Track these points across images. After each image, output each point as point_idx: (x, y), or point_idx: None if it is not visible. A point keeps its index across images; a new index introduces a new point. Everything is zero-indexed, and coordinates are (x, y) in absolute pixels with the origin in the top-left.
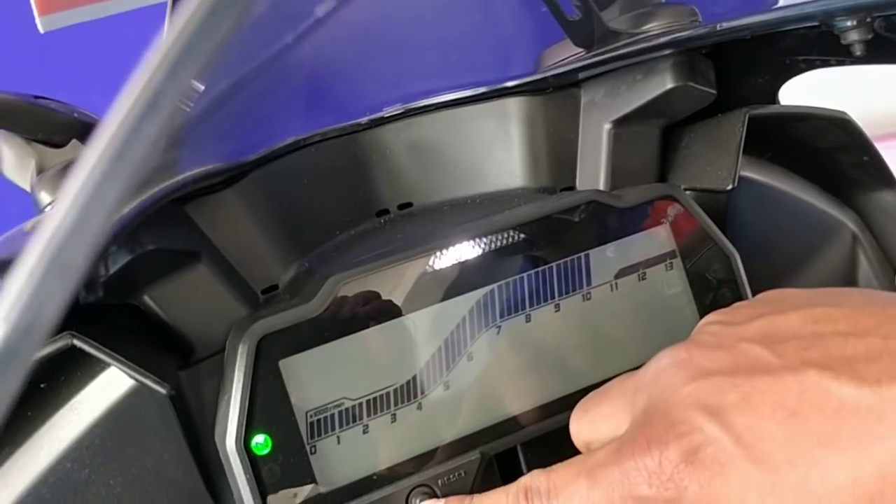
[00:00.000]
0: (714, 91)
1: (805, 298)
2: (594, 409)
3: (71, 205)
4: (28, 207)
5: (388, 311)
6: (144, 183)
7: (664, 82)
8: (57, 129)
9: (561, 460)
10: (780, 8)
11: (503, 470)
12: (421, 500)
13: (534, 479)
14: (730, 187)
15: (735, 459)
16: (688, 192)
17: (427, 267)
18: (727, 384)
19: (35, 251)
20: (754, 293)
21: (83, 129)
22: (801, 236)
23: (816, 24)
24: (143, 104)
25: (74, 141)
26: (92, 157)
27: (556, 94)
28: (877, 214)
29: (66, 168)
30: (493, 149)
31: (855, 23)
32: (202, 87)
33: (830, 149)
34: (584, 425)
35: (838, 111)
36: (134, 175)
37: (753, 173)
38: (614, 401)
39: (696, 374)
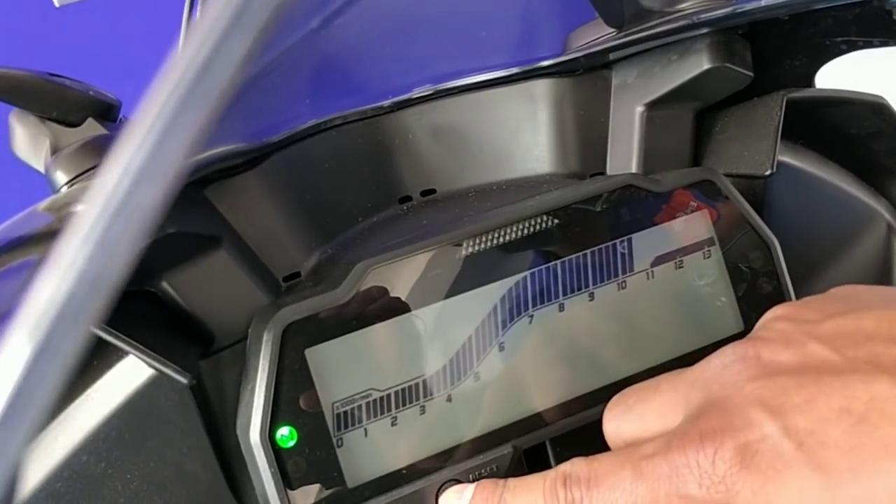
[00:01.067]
0: (751, 73)
1: (880, 298)
2: (641, 405)
3: (144, 137)
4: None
5: (418, 300)
6: None
7: (700, 63)
8: (72, 108)
9: (588, 452)
10: None
11: (531, 465)
12: None
13: (574, 467)
14: (769, 172)
15: (794, 464)
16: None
17: (457, 254)
18: (793, 385)
19: (103, 190)
20: (791, 281)
21: (99, 108)
22: (836, 224)
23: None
24: (224, 27)
25: (90, 120)
26: (170, 82)
27: (586, 76)
28: None
29: (82, 147)
30: (520, 133)
31: None
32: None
33: (865, 135)
34: (628, 422)
35: (877, 96)
36: (216, 104)
37: (790, 158)
38: (666, 395)
39: (762, 371)
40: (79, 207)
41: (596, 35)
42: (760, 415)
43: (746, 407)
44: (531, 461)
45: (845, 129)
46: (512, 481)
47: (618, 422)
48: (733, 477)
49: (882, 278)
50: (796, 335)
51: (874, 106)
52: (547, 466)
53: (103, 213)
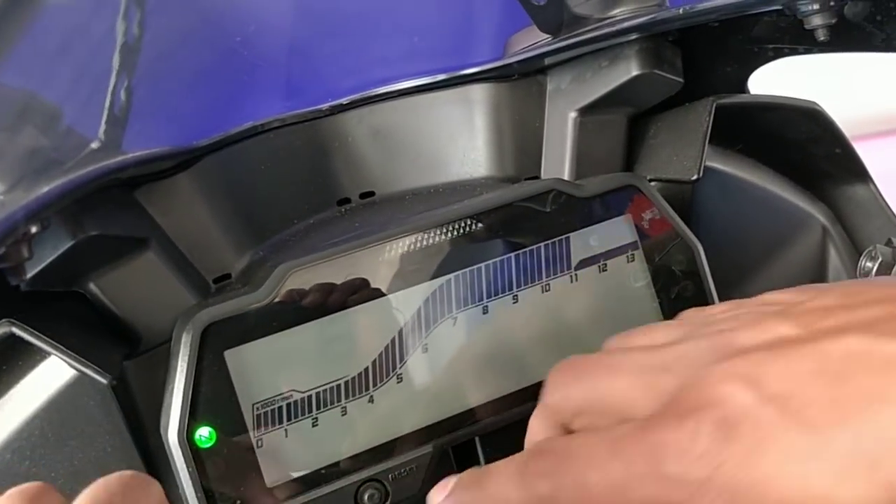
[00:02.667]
0: (681, 79)
1: (838, 286)
2: (599, 382)
3: None
4: None
5: (340, 301)
6: (82, 160)
7: (629, 69)
8: None
9: (518, 451)
10: None
11: (461, 464)
12: (370, 495)
13: (548, 443)
14: (695, 177)
15: (777, 428)
16: (654, 183)
17: (381, 256)
18: (766, 357)
19: None
20: (720, 286)
21: None
22: (769, 228)
23: (780, 7)
24: None
25: None
26: None
27: (521, 81)
28: (848, 207)
29: None
30: (457, 137)
31: (817, 6)
32: None
33: (802, 140)
34: (580, 392)
35: (809, 101)
36: None
37: (721, 164)
38: (631, 378)
39: (733, 351)
40: None
41: (533, 40)
42: (737, 388)
43: (721, 384)
44: (461, 460)
45: (782, 135)
46: (492, 465)
47: (566, 391)
48: (715, 450)
49: (817, 278)
50: (762, 318)
51: (808, 112)
52: (476, 463)
53: None
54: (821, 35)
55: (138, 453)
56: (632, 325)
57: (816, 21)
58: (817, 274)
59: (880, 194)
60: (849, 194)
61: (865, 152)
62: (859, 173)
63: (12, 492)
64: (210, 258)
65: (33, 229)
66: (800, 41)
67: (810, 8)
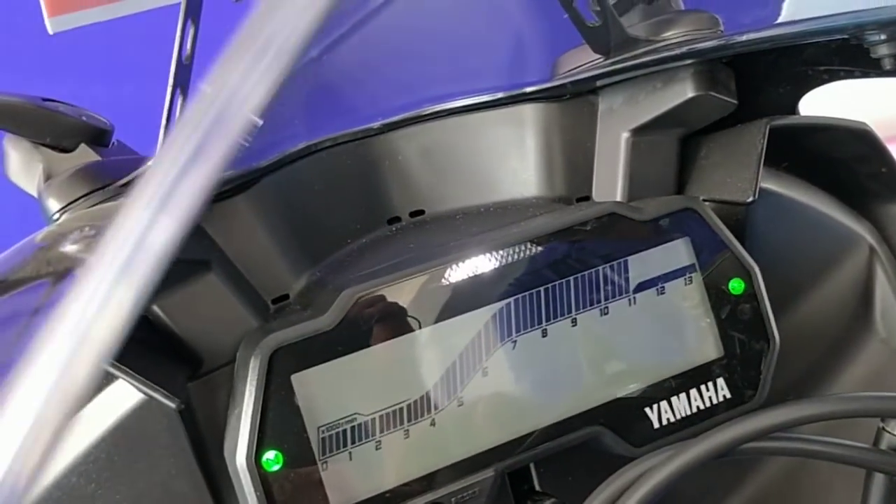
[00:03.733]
0: (735, 101)
1: None
2: None
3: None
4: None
5: (403, 326)
6: None
7: (684, 91)
8: (65, 133)
9: (572, 473)
10: (809, 20)
11: (514, 486)
12: None
13: None
14: (751, 199)
15: None
16: (707, 204)
17: (442, 280)
18: None
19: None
20: (772, 305)
21: (92, 133)
22: (818, 248)
23: (845, 36)
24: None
25: (83, 146)
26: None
27: (572, 102)
28: (893, 226)
29: (74, 175)
30: (508, 156)
31: (885, 37)
32: (260, 122)
33: (848, 159)
34: None
35: (859, 122)
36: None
37: (772, 185)
38: None
39: None
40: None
41: (583, 60)
42: None
43: None
44: (515, 483)
45: (829, 154)
46: None
47: None
48: None
49: (864, 298)
50: None
51: (857, 133)
52: (531, 488)
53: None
54: (888, 64)
55: (202, 476)
56: (689, 348)
57: (884, 51)
58: (864, 293)
59: None
60: (894, 213)
61: None
62: None
63: None
64: (268, 279)
65: None
66: (857, 65)
67: (878, 38)
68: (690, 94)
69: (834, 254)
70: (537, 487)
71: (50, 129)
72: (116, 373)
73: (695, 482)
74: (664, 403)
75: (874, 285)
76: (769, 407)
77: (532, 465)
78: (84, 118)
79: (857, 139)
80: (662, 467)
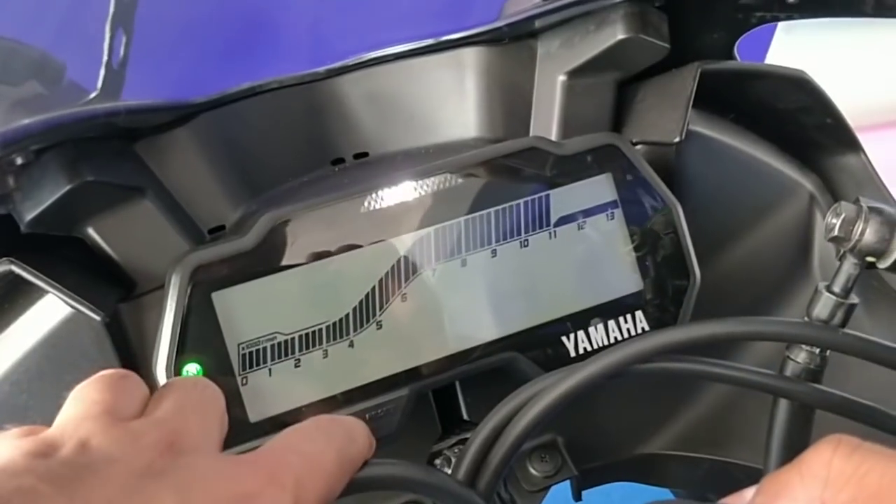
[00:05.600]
0: (667, 45)
1: None
2: None
3: None
4: None
5: (323, 250)
6: (77, 104)
7: (615, 33)
8: (14, 67)
9: (499, 401)
10: None
11: (443, 416)
12: None
13: None
14: (677, 139)
15: None
16: (638, 146)
17: (363, 207)
18: None
19: None
20: (705, 248)
21: (42, 69)
22: (755, 194)
23: None
24: None
25: (32, 80)
26: None
27: (512, 46)
28: (839, 177)
29: (17, 104)
30: (449, 100)
31: None
32: None
33: (792, 110)
34: None
35: (796, 69)
36: None
37: (707, 129)
38: None
39: None
40: None
41: (526, 5)
42: None
43: None
44: (444, 413)
45: (772, 104)
46: None
47: None
48: None
49: (802, 246)
50: None
51: (794, 80)
52: (459, 417)
53: None
54: None
55: None
56: (607, 281)
57: None
58: (803, 239)
59: (870, 163)
60: (840, 164)
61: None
62: (850, 143)
63: (94, 378)
64: (205, 210)
65: (18, 160)
66: (781, 8)
67: None
68: (621, 35)
69: (771, 200)
70: (465, 417)
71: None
72: (46, 287)
73: (622, 417)
74: (581, 333)
75: (813, 233)
76: (667, 328)
77: (461, 396)
78: (34, 54)
79: (798, 88)
80: (557, 385)
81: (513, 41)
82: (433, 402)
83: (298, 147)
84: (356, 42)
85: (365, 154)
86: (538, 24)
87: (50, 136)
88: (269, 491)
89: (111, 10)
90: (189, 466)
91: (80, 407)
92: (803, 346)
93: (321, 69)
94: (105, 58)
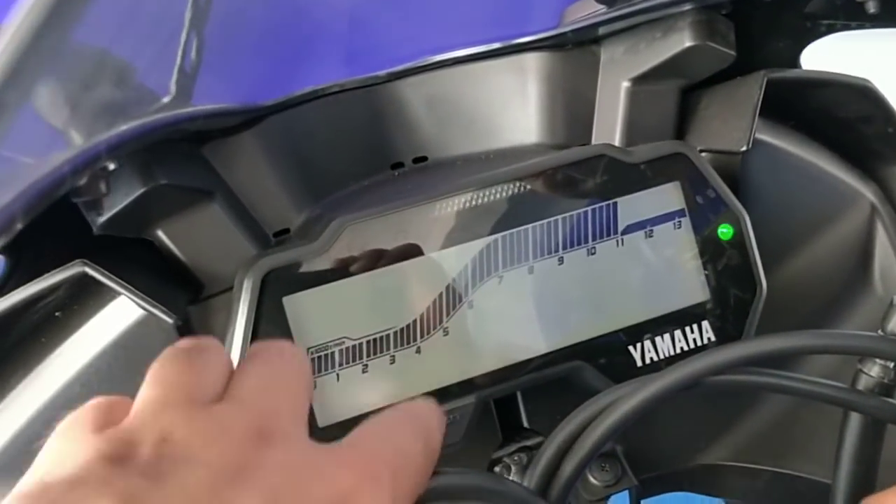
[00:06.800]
0: (733, 52)
1: None
2: None
3: None
4: None
5: (392, 256)
6: (153, 112)
7: (682, 41)
8: None
9: (561, 412)
10: None
11: (503, 422)
12: None
13: None
14: (744, 149)
15: None
16: (704, 154)
17: (432, 214)
18: None
19: None
20: (767, 258)
21: None
22: (817, 204)
23: None
24: None
25: None
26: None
27: (575, 51)
28: None
29: None
30: (510, 105)
31: None
32: None
33: (853, 119)
34: None
35: (860, 78)
36: None
37: (772, 138)
38: None
39: None
40: None
41: (589, 10)
42: None
43: None
44: (504, 420)
45: (833, 112)
46: None
47: None
48: None
49: (863, 256)
50: None
51: (858, 88)
52: (520, 425)
53: None
54: (871, 7)
55: None
56: (674, 291)
57: None
58: (864, 249)
59: None
60: None
61: None
62: None
63: (172, 353)
64: (271, 213)
65: (111, 166)
66: (852, 16)
67: None
68: (688, 43)
69: (833, 210)
70: (526, 425)
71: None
72: (119, 289)
73: (682, 427)
74: (647, 343)
75: (874, 244)
76: (741, 340)
77: (521, 403)
78: (107, 58)
79: (861, 96)
80: (631, 397)
81: (576, 46)
82: (494, 409)
83: (359, 151)
84: (417, 46)
85: (424, 158)
86: (602, 30)
87: (140, 142)
88: (367, 488)
89: (187, 15)
90: (280, 464)
91: (160, 391)
92: (877, 360)
93: (382, 73)
94: (178, 61)
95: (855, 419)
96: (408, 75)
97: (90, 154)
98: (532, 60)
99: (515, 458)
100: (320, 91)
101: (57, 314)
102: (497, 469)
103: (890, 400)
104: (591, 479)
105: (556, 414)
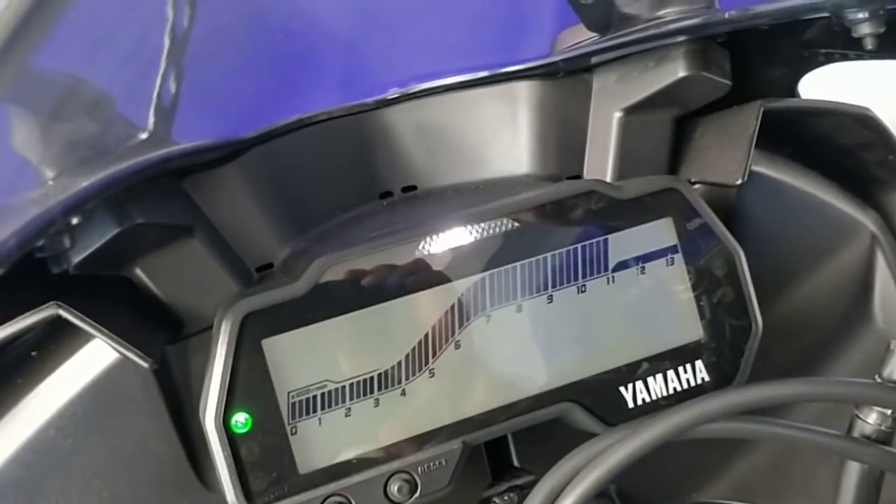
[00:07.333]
0: (728, 82)
1: None
2: None
3: None
4: None
5: (375, 295)
6: (130, 150)
7: (676, 70)
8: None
9: (552, 451)
10: None
11: (493, 461)
12: (399, 487)
13: None
14: (739, 181)
15: None
16: (697, 186)
17: (417, 252)
18: None
19: None
20: (764, 291)
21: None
22: (816, 234)
23: (826, 15)
24: None
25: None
26: None
27: (567, 80)
28: None
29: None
30: (501, 134)
31: (866, 15)
32: None
33: (853, 146)
34: None
35: (861, 107)
36: None
37: (768, 169)
38: None
39: None
40: None
41: (580, 38)
42: None
43: None
44: (494, 458)
45: (833, 140)
46: None
47: None
48: None
49: (863, 287)
50: None
51: (859, 117)
52: (510, 464)
53: None
54: (868, 44)
55: (177, 436)
56: (667, 329)
57: (864, 30)
58: (864, 280)
59: None
60: None
61: None
62: None
63: None
64: (253, 247)
65: (74, 220)
66: (850, 47)
67: (858, 17)
68: (682, 73)
69: (832, 241)
70: (516, 463)
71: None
72: (93, 332)
73: (677, 465)
74: (640, 384)
75: (874, 274)
76: (735, 386)
77: (511, 442)
78: (85, 89)
79: (861, 125)
80: (623, 444)
81: (567, 75)
82: (483, 448)
83: (346, 180)
84: (405, 73)
85: (413, 188)
86: (594, 58)
87: (113, 188)
88: None
89: (165, 48)
90: None
91: None
92: (874, 407)
93: (369, 100)
94: (156, 95)
95: (852, 467)
96: (396, 102)
97: (47, 217)
98: (523, 89)
99: (506, 497)
100: (306, 120)
101: (33, 353)
102: None
103: (888, 448)
104: None
105: (546, 453)
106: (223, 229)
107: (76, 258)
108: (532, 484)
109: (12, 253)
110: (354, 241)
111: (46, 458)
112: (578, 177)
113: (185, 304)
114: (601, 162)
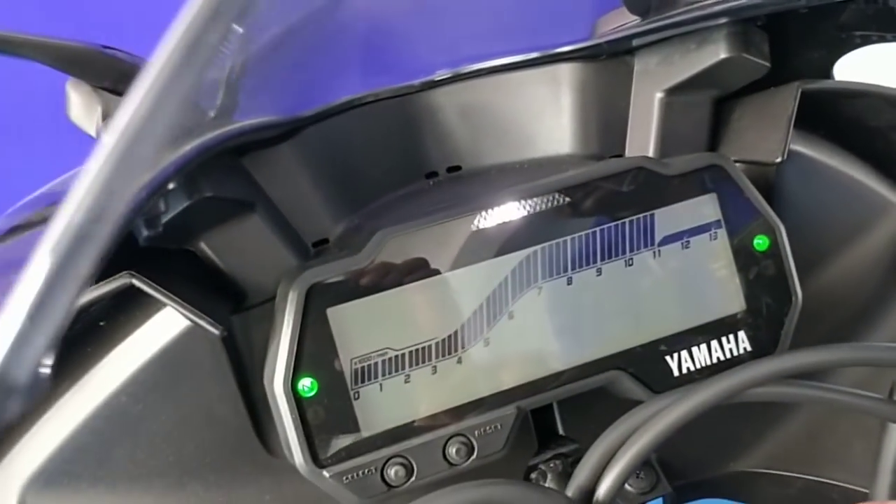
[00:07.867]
0: (768, 63)
1: None
2: None
3: (139, 106)
4: None
5: (433, 267)
6: (201, 127)
7: (717, 52)
8: (122, 78)
9: (595, 420)
10: None
11: (539, 430)
12: (457, 449)
13: None
14: (779, 160)
15: None
16: (738, 165)
17: (472, 226)
18: None
19: (106, 147)
20: (799, 269)
21: None
22: (850, 215)
23: None
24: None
25: None
26: (154, 69)
27: (609, 62)
28: None
29: None
30: (544, 115)
31: None
32: (241, 30)
33: (885, 127)
34: None
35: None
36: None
37: (805, 148)
38: None
39: None
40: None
41: (622, 22)
42: None
43: None
44: (540, 427)
45: (866, 122)
46: None
47: None
48: None
49: (894, 267)
50: None
51: (893, 100)
52: (555, 433)
53: (109, 160)
54: None
55: (243, 402)
56: (710, 301)
57: None
58: (895, 259)
59: None
60: None
61: None
62: None
63: None
64: (309, 223)
65: (170, 186)
66: (887, 28)
67: None
68: (723, 55)
69: (866, 220)
70: (561, 432)
71: (110, 73)
72: (165, 300)
73: (715, 434)
74: (685, 353)
75: None
76: (779, 353)
77: (556, 411)
78: (140, 65)
79: (894, 107)
80: (672, 409)
81: (609, 57)
82: (530, 417)
83: (394, 160)
84: (450, 56)
85: (458, 168)
86: (636, 41)
87: (194, 161)
88: None
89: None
90: None
91: None
92: None
93: (416, 82)
94: (224, 77)
95: (894, 430)
96: (442, 84)
97: (162, 176)
98: (566, 71)
99: (552, 464)
100: (355, 101)
101: (101, 323)
102: (533, 476)
103: None
104: (627, 487)
105: (590, 422)
106: (281, 206)
107: (147, 230)
108: (576, 452)
109: (142, 205)
110: (407, 217)
111: (117, 425)
112: (620, 156)
113: (246, 276)
114: (643, 142)
